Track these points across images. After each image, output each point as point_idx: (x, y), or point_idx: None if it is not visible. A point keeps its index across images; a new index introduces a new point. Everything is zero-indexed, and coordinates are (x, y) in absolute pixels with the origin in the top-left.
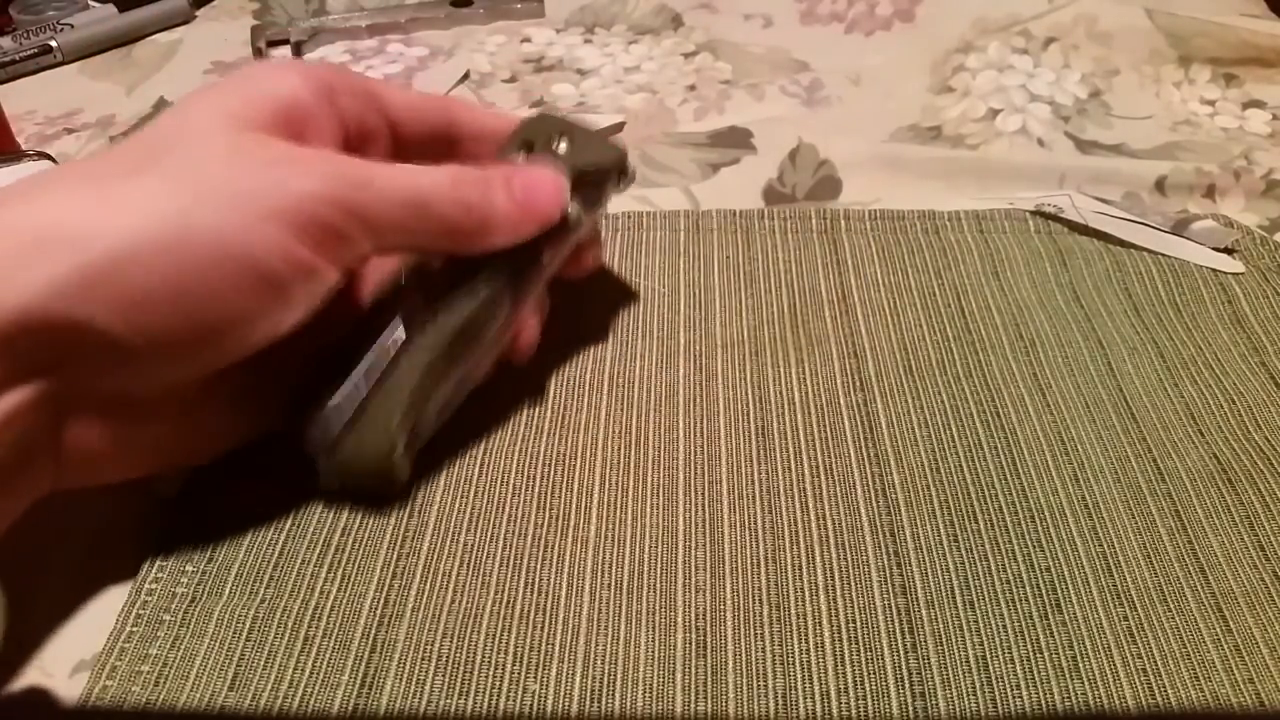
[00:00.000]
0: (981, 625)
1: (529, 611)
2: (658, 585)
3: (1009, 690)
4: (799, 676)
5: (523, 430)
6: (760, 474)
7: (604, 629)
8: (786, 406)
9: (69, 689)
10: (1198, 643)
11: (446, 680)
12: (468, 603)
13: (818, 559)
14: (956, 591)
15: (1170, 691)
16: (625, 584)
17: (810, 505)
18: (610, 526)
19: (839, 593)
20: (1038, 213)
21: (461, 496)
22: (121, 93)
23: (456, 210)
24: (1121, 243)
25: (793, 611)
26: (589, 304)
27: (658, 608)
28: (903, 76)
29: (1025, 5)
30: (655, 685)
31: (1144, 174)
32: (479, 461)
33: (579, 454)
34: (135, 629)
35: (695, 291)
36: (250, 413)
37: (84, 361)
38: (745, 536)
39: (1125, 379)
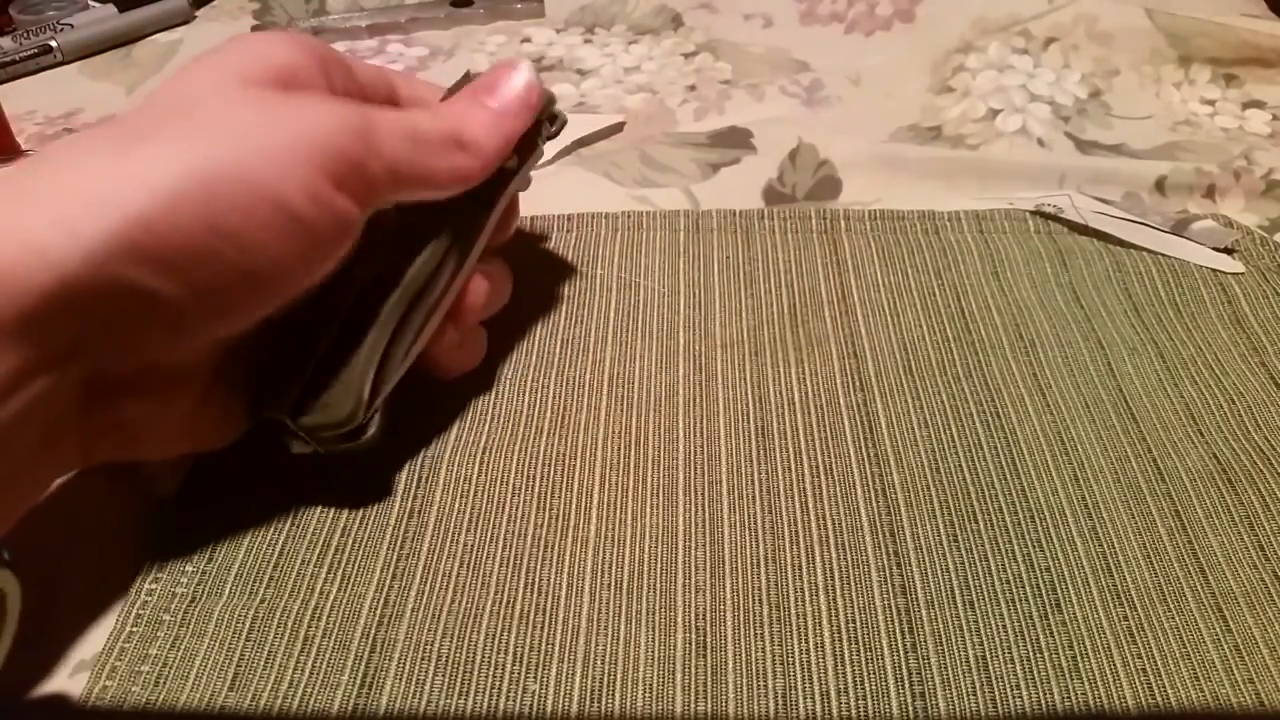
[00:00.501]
0: (981, 625)
1: (529, 611)
2: (658, 585)
3: (1009, 690)
4: (799, 676)
5: (523, 430)
6: (760, 474)
7: (604, 629)
8: (786, 406)
9: (69, 689)
10: (1198, 643)
11: (446, 680)
12: (468, 603)
13: (818, 559)
14: (956, 591)
15: (1170, 691)
16: (625, 584)
17: (810, 505)
18: (610, 526)
19: (839, 593)
20: (1038, 213)
21: (461, 496)
22: (121, 93)
23: (444, 130)
24: (1121, 243)
25: (793, 611)
26: (589, 304)
27: (658, 608)
28: (903, 76)
29: (1025, 5)
30: (655, 685)
31: (1144, 174)
32: (479, 461)
33: (579, 454)
34: (135, 629)
35: (695, 291)
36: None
37: (124, 329)
38: (745, 536)
39: (1125, 379)
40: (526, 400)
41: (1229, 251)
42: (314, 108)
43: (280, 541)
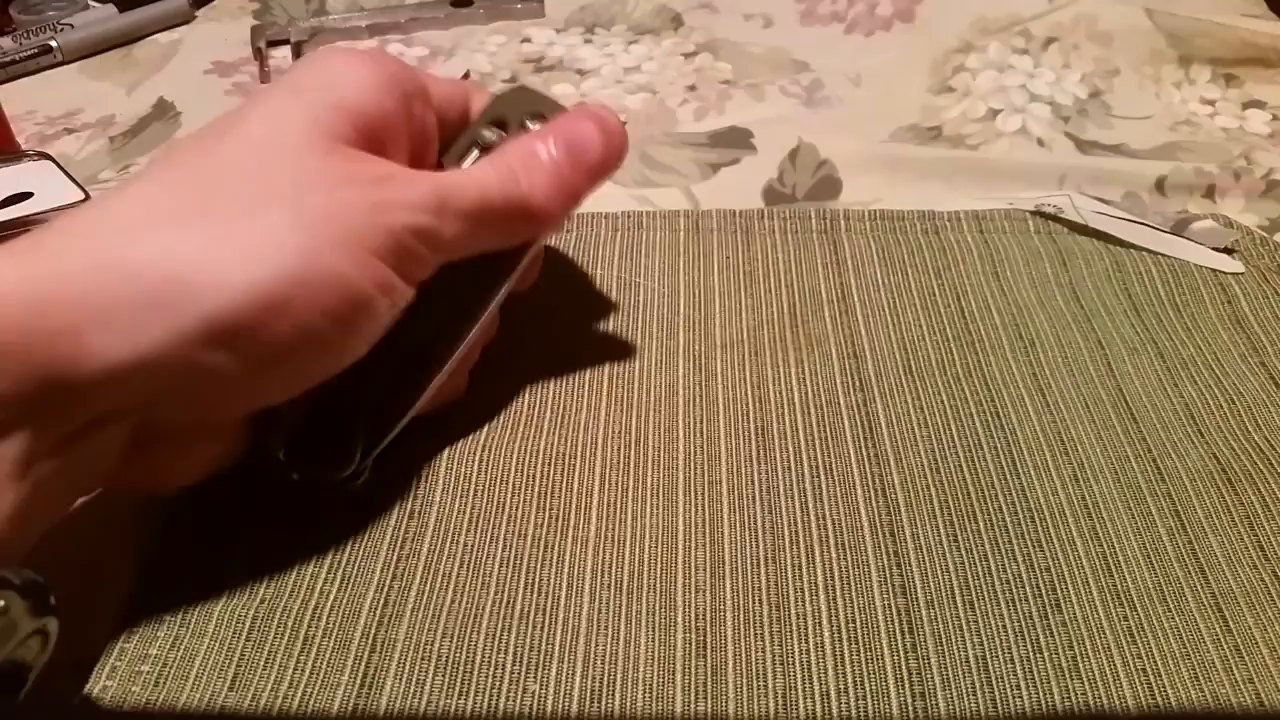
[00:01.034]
0: (981, 625)
1: (529, 611)
2: (658, 585)
3: (1009, 690)
4: (799, 676)
5: (523, 430)
6: (760, 474)
7: (604, 629)
8: (786, 407)
9: (69, 689)
10: (1198, 643)
11: (446, 680)
12: (468, 603)
13: (818, 559)
14: (956, 591)
15: (1170, 691)
16: (625, 584)
17: (810, 505)
18: (610, 526)
19: (839, 593)
20: (1038, 213)
21: (461, 496)
22: (121, 93)
23: (513, 202)
24: (1121, 243)
25: (793, 611)
26: (589, 304)
27: (658, 608)
28: (903, 76)
29: (1025, 5)
30: (655, 685)
31: (1144, 174)
32: (479, 461)
33: (579, 454)
34: (135, 629)
35: (695, 291)
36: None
37: (187, 396)
38: (745, 536)
39: (1125, 379)
40: (526, 400)
41: (1229, 251)
42: (389, 191)
43: (281, 541)
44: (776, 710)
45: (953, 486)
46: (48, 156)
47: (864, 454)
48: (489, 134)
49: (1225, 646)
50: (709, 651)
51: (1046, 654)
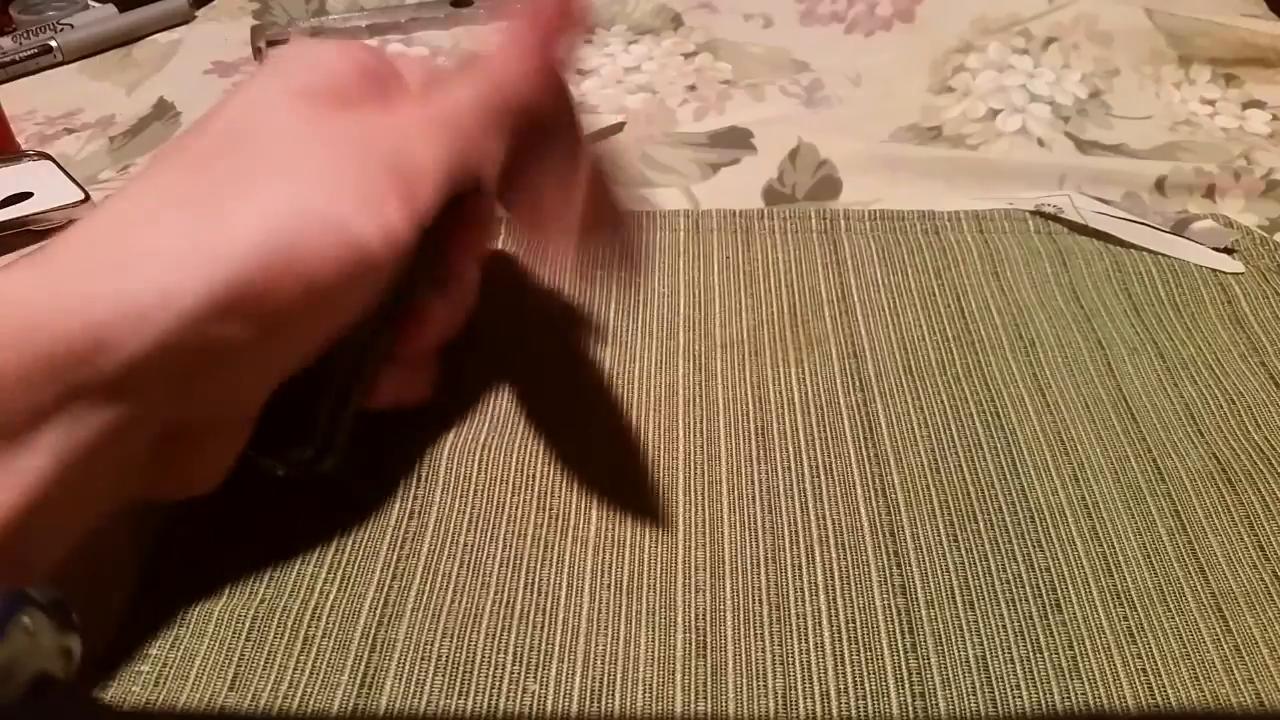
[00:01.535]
0: (981, 625)
1: (529, 611)
2: (658, 585)
3: (1009, 690)
4: (799, 676)
5: (523, 430)
6: (760, 474)
7: (604, 629)
8: (786, 406)
9: (68, 689)
10: (1198, 643)
11: (446, 680)
12: (468, 603)
13: (818, 559)
14: (956, 591)
15: (1170, 691)
16: (625, 584)
17: (810, 505)
18: (610, 526)
19: (839, 593)
20: (1038, 213)
21: (461, 496)
22: (121, 93)
23: (492, 88)
24: (1121, 243)
25: (793, 611)
26: (588, 304)
27: (658, 608)
28: (903, 76)
29: (1025, 5)
30: (655, 685)
31: (1144, 174)
32: (479, 461)
33: (579, 454)
34: (135, 629)
35: (695, 291)
36: None
37: (212, 379)
38: (745, 536)
39: (1125, 379)
40: (526, 400)
41: (1229, 251)
42: (377, 124)
43: (280, 541)
44: (776, 710)
45: (953, 486)
46: (48, 156)
47: (864, 454)
48: None
49: (1225, 646)
50: (709, 651)
51: (1046, 654)
